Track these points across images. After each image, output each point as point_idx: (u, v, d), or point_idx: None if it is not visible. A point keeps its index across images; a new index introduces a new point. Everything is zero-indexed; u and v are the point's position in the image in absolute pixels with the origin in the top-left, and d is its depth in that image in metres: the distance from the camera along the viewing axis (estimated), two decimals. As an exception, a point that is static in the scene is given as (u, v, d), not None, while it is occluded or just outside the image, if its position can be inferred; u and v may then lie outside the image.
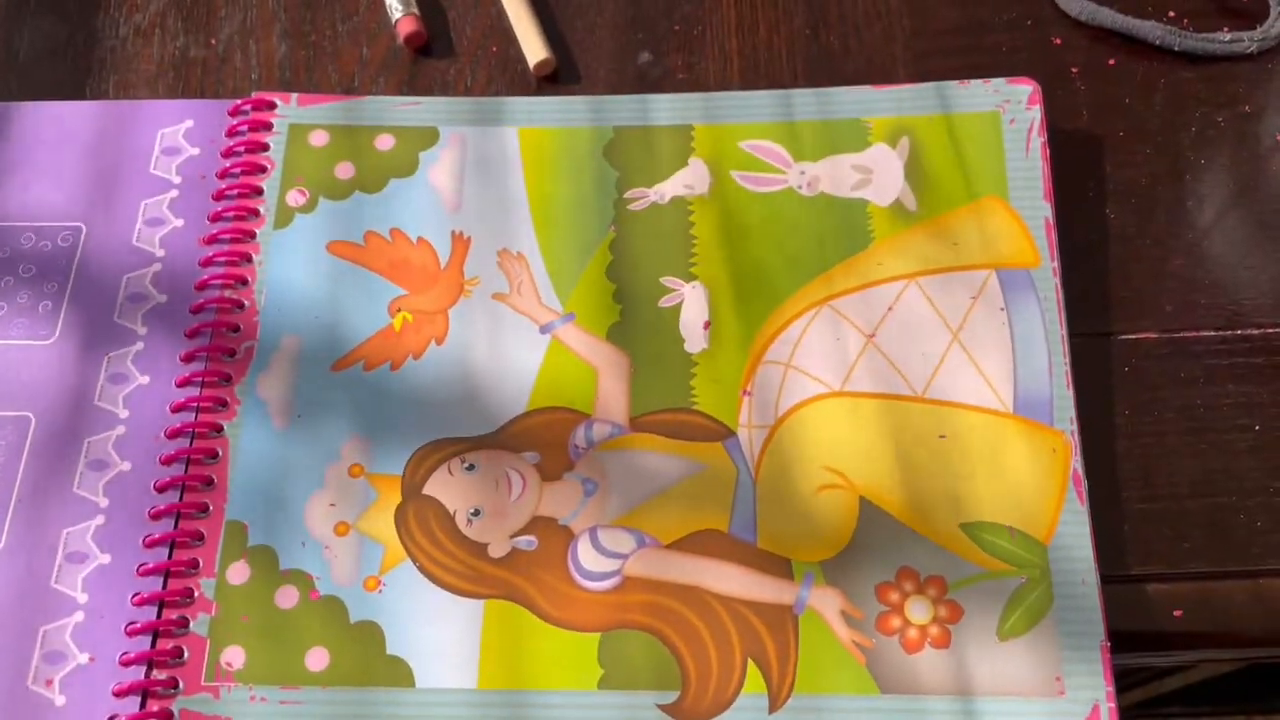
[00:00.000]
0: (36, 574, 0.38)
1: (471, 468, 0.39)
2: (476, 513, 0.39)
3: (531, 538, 0.38)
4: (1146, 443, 0.41)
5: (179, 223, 0.43)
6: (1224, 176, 0.45)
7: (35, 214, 0.44)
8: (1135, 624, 0.39)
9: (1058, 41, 0.48)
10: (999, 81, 0.45)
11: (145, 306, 0.42)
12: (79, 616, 0.37)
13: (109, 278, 0.42)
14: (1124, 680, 0.65)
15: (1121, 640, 0.39)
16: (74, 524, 0.38)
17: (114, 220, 0.44)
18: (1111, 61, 0.48)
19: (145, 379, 0.41)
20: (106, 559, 0.38)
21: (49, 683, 0.36)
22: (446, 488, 0.39)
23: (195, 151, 0.45)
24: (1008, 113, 0.44)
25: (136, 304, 0.42)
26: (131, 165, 0.45)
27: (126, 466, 0.39)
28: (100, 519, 0.38)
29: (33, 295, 0.42)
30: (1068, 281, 0.43)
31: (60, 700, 0.36)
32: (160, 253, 0.43)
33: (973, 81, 0.45)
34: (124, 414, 0.40)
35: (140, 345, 0.41)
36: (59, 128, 0.46)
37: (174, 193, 0.44)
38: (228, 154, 0.45)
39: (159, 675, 0.36)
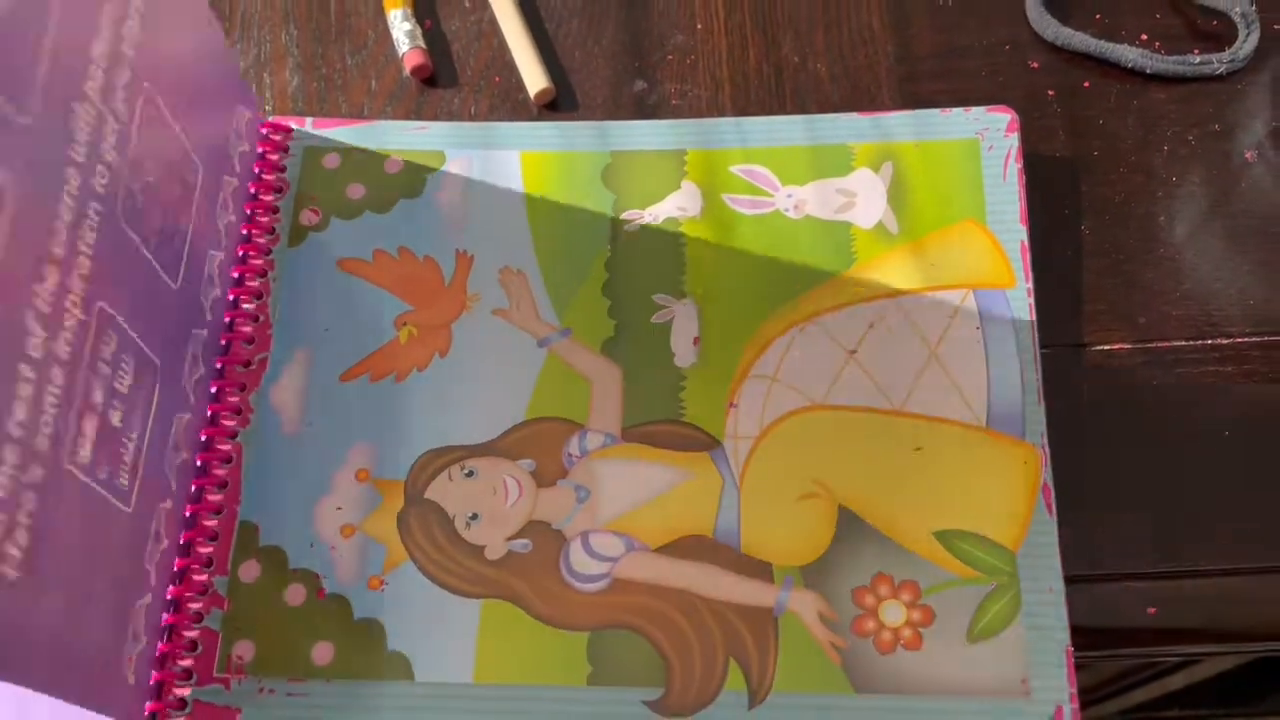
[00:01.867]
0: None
1: (471, 474, 0.41)
2: (475, 517, 0.41)
3: (526, 541, 0.40)
4: (1119, 449, 0.43)
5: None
6: (1195, 193, 0.47)
7: None
8: (1111, 622, 0.41)
9: (1035, 65, 0.50)
10: (978, 110, 0.47)
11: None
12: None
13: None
14: (1126, 680, 0.66)
15: (1098, 638, 0.41)
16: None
17: None
18: (1086, 84, 0.50)
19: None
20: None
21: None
22: (447, 493, 0.41)
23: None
24: (986, 140, 0.46)
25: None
26: None
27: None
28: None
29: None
30: (1043, 294, 0.44)
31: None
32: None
33: (953, 110, 0.47)
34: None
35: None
36: None
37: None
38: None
39: (174, 667, 0.38)
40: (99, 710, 0.34)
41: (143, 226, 0.37)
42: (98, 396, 0.34)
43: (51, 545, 0.31)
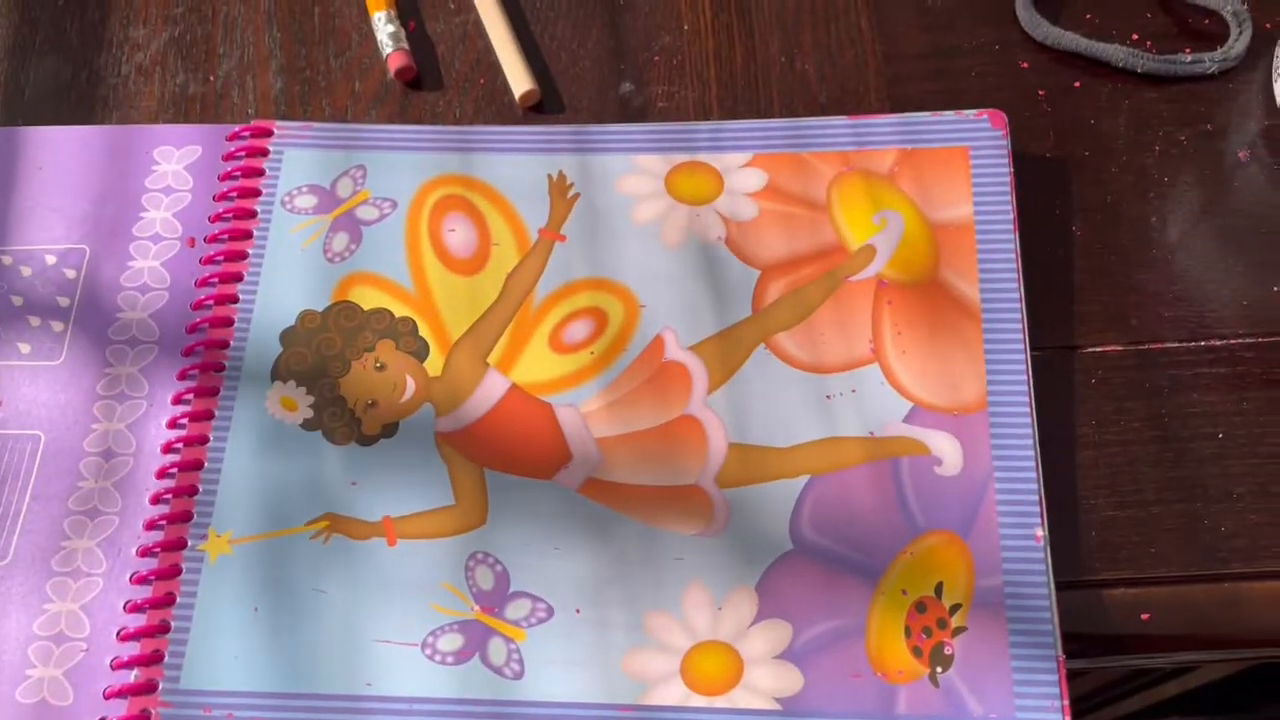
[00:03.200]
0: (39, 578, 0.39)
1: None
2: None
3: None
4: (1113, 452, 0.42)
5: (177, 244, 0.45)
6: (1188, 193, 0.47)
7: (41, 237, 0.46)
8: (1105, 628, 0.40)
9: (1025, 65, 0.50)
10: (969, 114, 0.46)
11: (144, 328, 0.44)
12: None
13: (110, 298, 0.44)
14: (1120, 688, 0.66)
15: (1092, 644, 0.40)
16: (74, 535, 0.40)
17: (116, 241, 0.45)
18: (1077, 84, 0.49)
19: (143, 396, 0.42)
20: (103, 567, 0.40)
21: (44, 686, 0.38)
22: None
23: (194, 176, 0.47)
24: (976, 145, 0.45)
25: (135, 325, 0.44)
26: (133, 188, 0.47)
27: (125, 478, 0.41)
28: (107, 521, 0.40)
29: (42, 317, 0.44)
30: (1034, 296, 0.44)
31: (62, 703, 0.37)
32: (159, 273, 0.45)
33: (943, 113, 0.46)
34: (120, 428, 0.42)
35: (137, 365, 0.43)
36: (63, 152, 0.48)
37: (172, 215, 0.46)
38: (225, 178, 0.47)
39: (138, 676, 0.38)
40: None
41: None
42: None
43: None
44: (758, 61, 0.51)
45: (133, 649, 0.38)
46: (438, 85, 0.51)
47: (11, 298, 0.44)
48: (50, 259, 0.45)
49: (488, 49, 0.52)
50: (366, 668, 0.38)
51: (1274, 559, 0.40)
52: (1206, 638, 0.41)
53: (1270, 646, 0.41)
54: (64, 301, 0.44)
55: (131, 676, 0.38)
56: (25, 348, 0.43)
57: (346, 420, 0.42)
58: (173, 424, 0.42)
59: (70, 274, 0.45)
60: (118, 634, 0.38)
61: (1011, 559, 0.38)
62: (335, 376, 0.43)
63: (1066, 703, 0.36)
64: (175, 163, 0.47)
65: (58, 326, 0.44)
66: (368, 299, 0.44)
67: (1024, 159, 0.47)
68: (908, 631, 0.37)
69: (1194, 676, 0.65)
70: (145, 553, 0.40)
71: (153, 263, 0.45)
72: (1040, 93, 0.49)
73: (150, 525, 0.40)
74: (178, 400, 0.42)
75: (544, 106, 0.50)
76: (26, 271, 0.45)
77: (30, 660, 0.38)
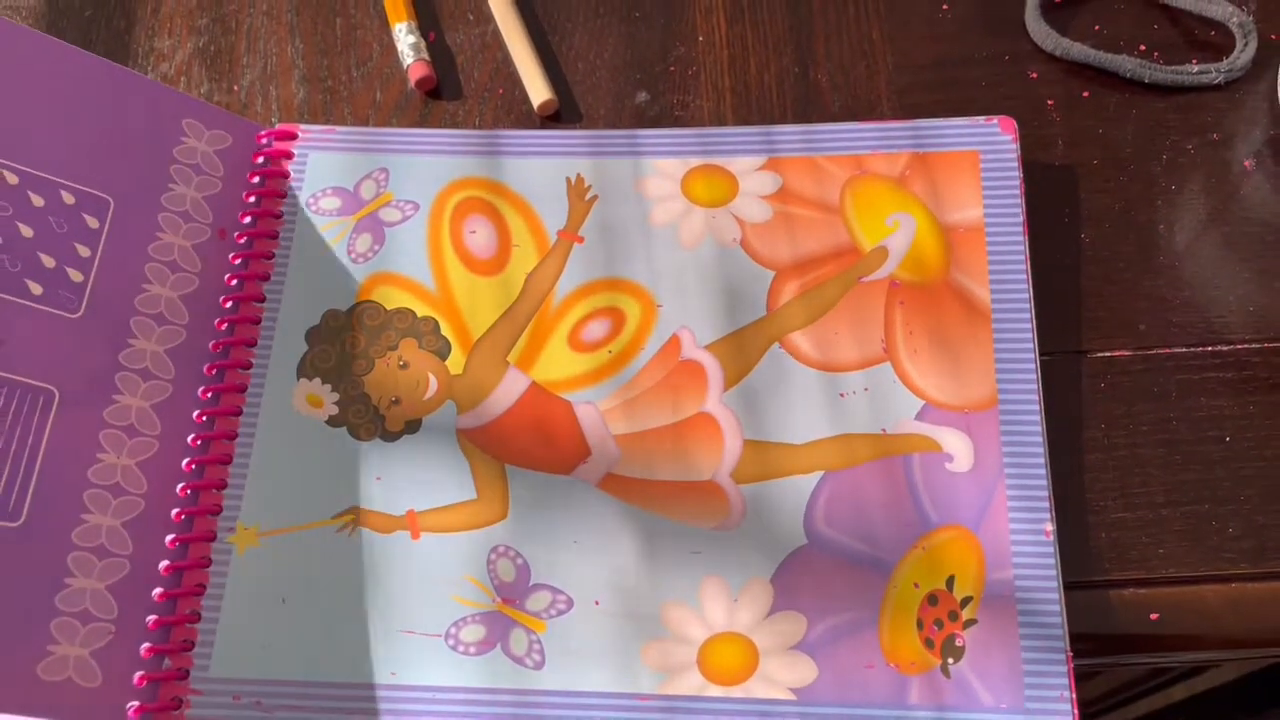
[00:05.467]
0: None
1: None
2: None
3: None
4: (1122, 455, 0.43)
5: (208, 231, 0.46)
6: (1194, 201, 0.47)
7: (56, 166, 0.43)
8: (1114, 628, 0.41)
9: (1034, 75, 0.51)
10: (978, 119, 0.47)
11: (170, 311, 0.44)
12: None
13: (137, 265, 0.44)
14: (1129, 691, 0.66)
15: (1101, 643, 0.41)
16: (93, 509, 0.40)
17: (143, 204, 0.45)
18: (1086, 94, 0.50)
19: (170, 378, 0.43)
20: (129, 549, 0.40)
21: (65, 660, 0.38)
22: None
23: (224, 165, 0.47)
24: (986, 149, 0.46)
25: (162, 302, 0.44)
26: (161, 152, 0.46)
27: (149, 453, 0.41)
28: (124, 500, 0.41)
29: (57, 260, 0.42)
30: (1044, 302, 0.45)
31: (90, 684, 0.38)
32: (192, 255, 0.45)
33: (953, 119, 0.47)
34: (147, 407, 0.42)
35: (166, 344, 0.43)
36: (91, 81, 0.45)
37: (202, 198, 0.46)
38: (252, 177, 0.48)
39: (169, 664, 0.39)
40: (12, 712, 0.35)
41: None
42: None
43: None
44: (771, 72, 0.52)
45: (163, 637, 0.39)
46: (457, 95, 0.53)
47: (19, 225, 0.41)
48: (68, 197, 0.43)
49: (506, 59, 0.53)
50: (391, 658, 0.38)
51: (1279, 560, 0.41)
52: (1214, 638, 0.41)
53: (1276, 646, 0.41)
54: (84, 251, 0.43)
55: (163, 664, 0.38)
56: (37, 288, 0.41)
57: (371, 417, 0.43)
58: (201, 418, 0.43)
59: (92, 223, 0.43)
60: (149, 622, 0.39)
61: (1021, 553, 0.39)
62: (359, 374, 0.43)
63: (1075, 695, 0.37)
64: (205, 144, 0.47)
65: (76, 276, 0.42)
66: (391, 299, 0.45)
67: (1034, 167, 0.47)
68: (920, 624, 0.38)
69: (1202, 680, 0.65)
70: (175, 543, 0.40)
71: (183, 242, 0.45)
72: (1049, 102, 0.50)
73: (179, 517, 0.41)
74: (206, 394, 0.43)
75: (561, 116, 0.51)
76: (38, 201, 0.42)
77: (53, 636, 0.38)
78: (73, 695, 0.37)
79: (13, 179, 0.42)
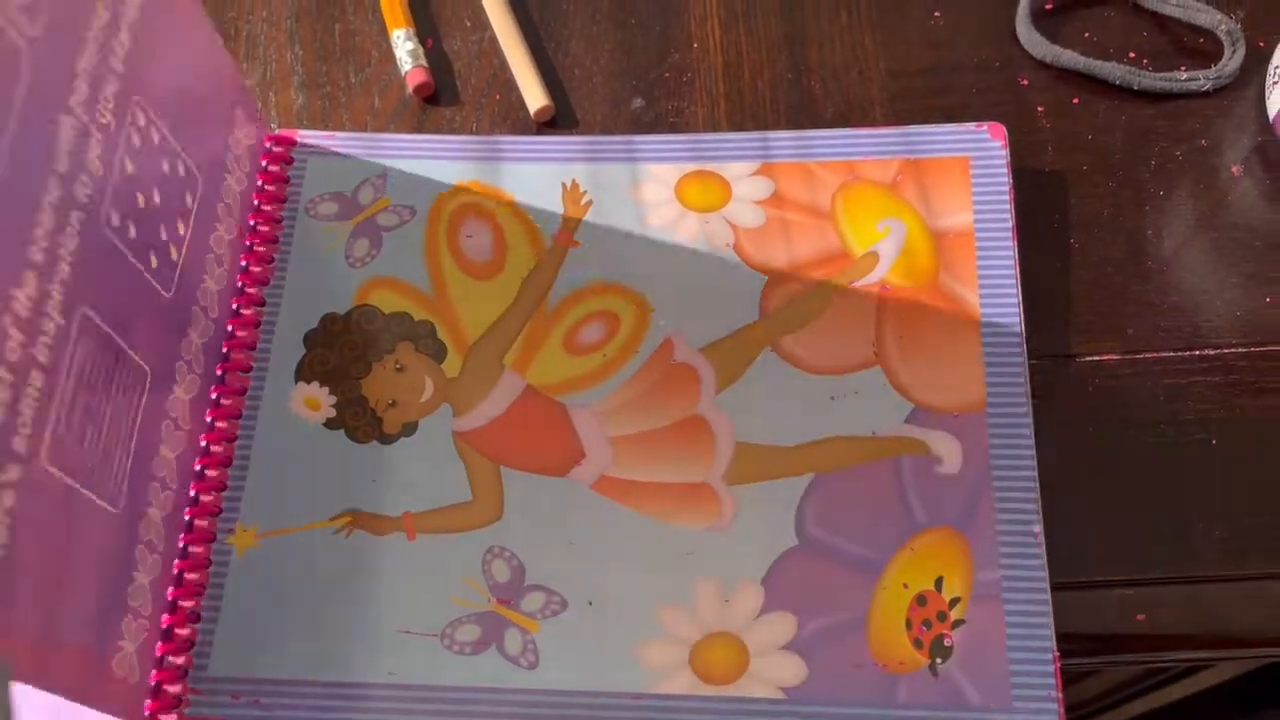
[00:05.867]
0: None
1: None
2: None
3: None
4: (1109, 457, 0.43)
5: (236, 227, 0.46)
6: (1183, 207, 0.48)
7: (183, 139, 0.42)
8: (1101, 628, 0.41)
9: (1025, 82, 0.51)
10: (969, 126, 0.48)
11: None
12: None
13: (201, 255, 0.43)
14: (1124, 691, 0.66)
15: (1089, 643, 0.41)
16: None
17: (212, 193, 0.44)
18: (1075, 100, 0.51)
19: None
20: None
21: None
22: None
23: (249, 163, 0.47)
24: (976, 155, 0.47)
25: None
26: (223, 140, 0.46)
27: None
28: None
29: (169, 235, 0.41)
30: (1033, 306, 0.45)
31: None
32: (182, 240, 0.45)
33: (944, 126, 0.48)
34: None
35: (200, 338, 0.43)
36: (202, 48, 0.44)
37: (239, 193, 0.46)
38: (258, 178, 0.48)
39: (174, 662, 0.39)
40: (89, 705, 0.35)
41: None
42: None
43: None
44: (765, 79, 0.53)
45: (165, 635, 0.39)
46: (454, 101, 0.53)
47: (154, 191, 0.40)
48: (181, 168, 0.42)
49: (503, 66, 0.53)
50: (388, 657, 0.39)
51: (1265, 562, 0.41)
52: (1200, 638, 0.42)
53: (1260, 646, 0.42)
54: (181, 229, 0.42)
55: (164, 663, 0.39)
56: (154, 261, 0.40)
57: (368, 419, 0.43)
58: (204, 419, 0.43)
59: (189, 200, 0.42)
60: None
61: (1009, 554, 0.39)
62: (357, 377, 0.44)
63: (1061, 695, 0.37)
64: (245, 137, 0.47)
65: (174, 254, 0.41)
66: (388, 303, 0.46)
67: (1023, 173, 0.48)
68: (909, 624, 0.39)
69: (1197, 680, 0.65)
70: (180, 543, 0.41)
71: (226, 236, 0.45)
72: (1040, 108, 0.51)
73: (183, 517, 0.41)
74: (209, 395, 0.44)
75: (558, 121, 0.52)
76: (165, 167, 0.41)
77: (121, 630, 0.37)
78: (125, 692, 0.37)
79: (155, 137, 0.40)
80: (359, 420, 0.43)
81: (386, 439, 0.43)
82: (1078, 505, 0.42)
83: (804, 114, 0.51)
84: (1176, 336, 0.45)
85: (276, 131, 0.50)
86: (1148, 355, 0.45)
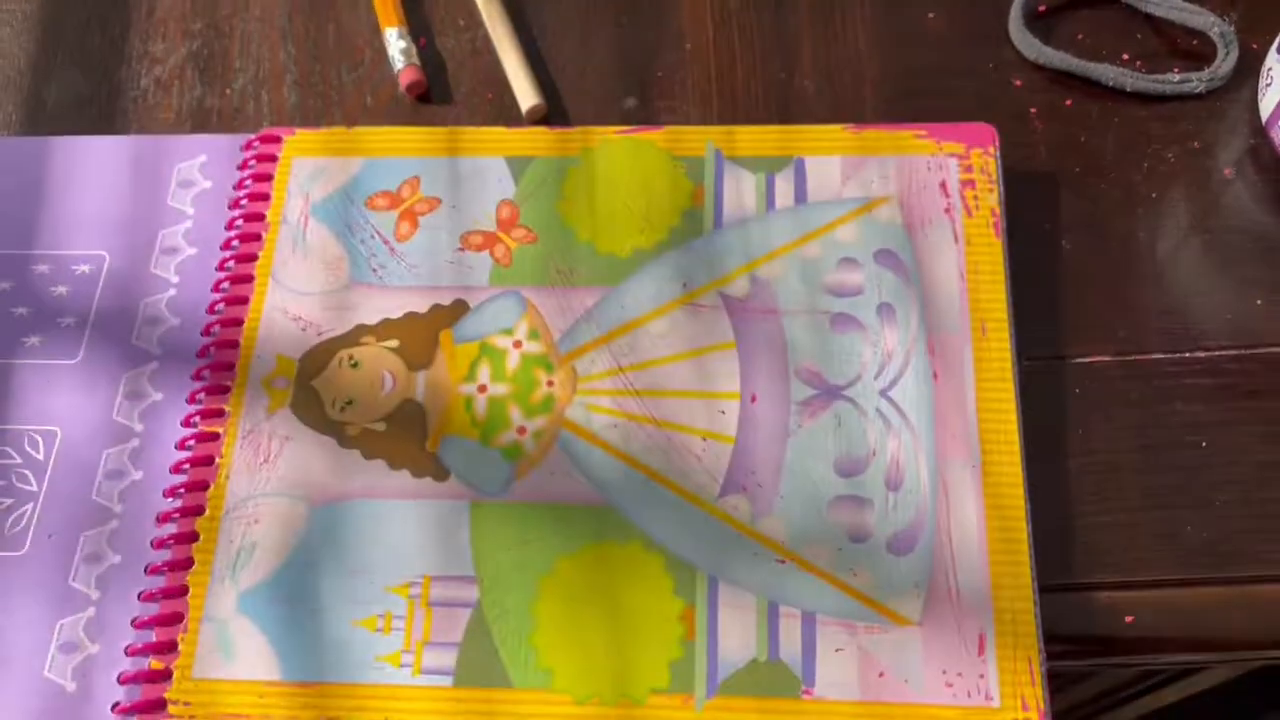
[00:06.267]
0: (56, 573, 0.41)
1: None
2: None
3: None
4: (1099, 459, 0.43)
5: (193, 251, 0.47)
6: (1175, 209, 0.48)
7: (63, 243, 0.47)
8: (1089, 630, 0.41)
9: (1018, 84, 0.51)
10: (959, 126, 0.47)
11: (161, 329, 0.45)
12: (91, 611, 0.40)
13: (129, 302, 0.46)
14: (1119, 694, 0.66)
15: (1076, 645, 0.41)
16: (91, 528, 0.41)
17: (134, 249, 0.47)
18: (1068, 102, 0.51)
19: (159, 395, 0.44)
20: (118, 559, 0.41)
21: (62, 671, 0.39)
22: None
23: (209, 184, 0.48)
24: (965, 156, 0.47)
25: (153, 326, 0.45)
26: (151, 197, 0.48)
27: (139, 476, 0.42)
28: (115, 523, 0.41)
29: (62, 319, 0.46)
30: (1024, 308, 0.45)
31: (71, 687, 0.39)
32: (175, 279, 0.46)
33: (934, 125, 0.47)
34: (139, 428, 0.43)
35: (155, 365, 0.44)
36: (85, 161, 0.49)
37: (189, 223, 0.48)
38: (238, 186, 0.48)
39: (157, 665, 0.39)
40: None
41: None
42: None
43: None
44: (758, 79, 0.53)
45: (147, 637, 0.39)
46: (447, 99, 0.53)
47: (51, 290, 0.46)
48: (81, 267, 0.47)
49: (496, 65, 0.53)
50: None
51: (1254, 565, 0.41)
52: (1188, 640, 0.42)
53: (1251, 650, 0.42)
54: (85, 305, 0.46)
55: (146, 664, 0.39)
56: (47, 347, 0.45)
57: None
58: (186, 422, 0.43)
59: (93, 279, 0.47)
60: (132, 622, 0.40)
61: (997, 556, 0.39)
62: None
63: (1049, 697, 0.37)
64: (196, 172, 0.49)
65: (76, 327, 0.45)
66: None
67: (1016, 175, 0.48)
68: None
69: (1193, 682, 0.65)
70: (160, 545, 0.41)
71: (173, 275, 0.46)
72: (1032, 110, 0.51)
73: (165, 518, 0.41)
74: (192, 399, 0.44)
75: (550, 120, 0.52)
76: (54, 277, 0.47)
77: (53, 642, 0.39)
78: (62, 698, 0.39)
79: (43, 268, 0.47)
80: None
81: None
82: (1066, 507, 0.42)
83: (795, 113, 0.51)
84: (1168, 339, 0.45)
85: (264, 130, 0.50)
86: (1138, 357, 0.45)
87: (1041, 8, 0.53)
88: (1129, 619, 0.41)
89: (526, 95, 0.52)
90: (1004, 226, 0.45)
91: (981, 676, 0.38)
